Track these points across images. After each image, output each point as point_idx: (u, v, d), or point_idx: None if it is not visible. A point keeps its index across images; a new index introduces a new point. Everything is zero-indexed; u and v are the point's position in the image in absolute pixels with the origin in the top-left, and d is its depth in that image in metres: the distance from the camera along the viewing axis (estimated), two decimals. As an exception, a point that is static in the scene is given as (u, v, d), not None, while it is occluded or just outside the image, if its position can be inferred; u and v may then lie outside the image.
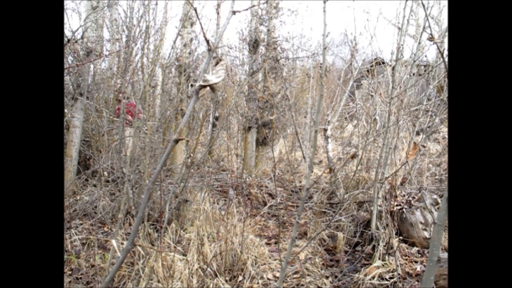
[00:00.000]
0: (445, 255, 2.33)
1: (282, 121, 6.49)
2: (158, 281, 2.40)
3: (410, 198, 3.34)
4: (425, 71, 5.70)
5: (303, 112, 8.00)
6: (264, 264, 2.83)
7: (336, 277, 2.76)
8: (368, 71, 5.02)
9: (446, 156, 5.54)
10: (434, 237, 1.13)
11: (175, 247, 2.90)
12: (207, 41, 1.14)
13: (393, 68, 3.29)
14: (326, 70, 4.32)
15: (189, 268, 2.53)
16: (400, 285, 2.56)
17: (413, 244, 3.13)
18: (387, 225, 3.07)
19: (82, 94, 4.53)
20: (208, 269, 2.61)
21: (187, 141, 4.46)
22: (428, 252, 1.95)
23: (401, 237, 3.16)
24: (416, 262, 2.88)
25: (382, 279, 2.65)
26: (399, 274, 2.63)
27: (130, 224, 3.38)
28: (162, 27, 4.78)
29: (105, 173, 4.21)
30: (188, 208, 3.51)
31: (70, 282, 2.61)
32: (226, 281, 2.57)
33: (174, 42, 4.23)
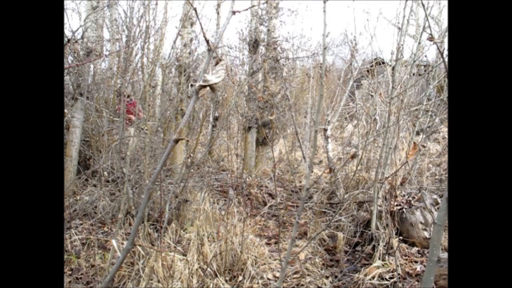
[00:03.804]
0: (445, 255, 2.33)
1: (282, 121, 6.49)
2: (158, 281, 2.40)
3: (410, 198, 3.34)
4: (425, 71, 5.70)
5: (303, 112, 7.99)
6: (264, 264, 2.83)
7: (336, 277, 2.76)
8: (368, 71, 5.02)
9: (446, 156, 5.54)
10: (434, 237, 1.13)
11: (175, 247, 2.90)
12: (207, 41, 1.14)
13: (393, 68, 3.29)
14: (326, 70, 4.32)
15: (189, 268, 2.53)
16: (400, 285, 2.56)
17: (413, 244, 3.13)
18: (387, 225, 3.07)
19: (82, 94, 4.53)
20: (208, 269, 2.61)
21: (187, 141, 4.46)
22: (428, 252, 1.95)
23: (401, 237, 3.15)
24: (416, 262, 2.88)
25: (382, 279, 2.65)
26: (399, 274, 2.63)
27: (130, 224, 3.38)
28: (162, 27, 4.78)
29: (105, 173, 4.21)
30: (188, 208, 3.51)
31: (70, 282, 2.61)
32: (226, 281, 2.57)
33: (174, 42, 4.23)
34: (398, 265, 2.70)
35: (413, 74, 4.24)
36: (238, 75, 6.86)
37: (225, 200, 4.17)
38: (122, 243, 2.83)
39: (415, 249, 3.07)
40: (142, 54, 4.32)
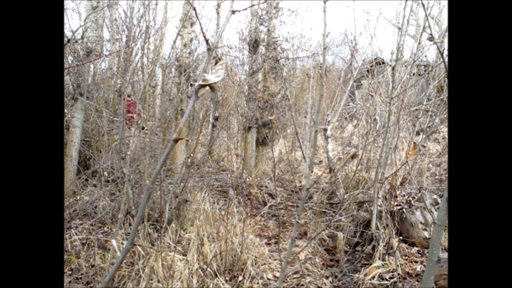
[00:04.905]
0: (445, 255, 2.33)
1: (282, 121, 6.49)
2: (158, 281, 2.40)
3: (410, 198, 3.34)
4: (425, 71, 5.70)
5: (303, 112, 7.99)
6: (264, 264, 2.83)
7: (336, 277, 2.76)
8: (368, 71, 5.02)
9: (446, 156, 5.54)
10: (434, 237, 1.13)
11: (175, 247, 2.90)
12: (207, 41, 1.14)
13: (393, 68, 3.29)
14: (326, 70, 4.32)
15: (189, 268, 2.53)
16: (400, 285, 2.56)
17: (413, 244, 3.13)
18: (387, 225, 3.07)
19: (82, 94, 4.53)
20: (208, 269, 2.61)
21: (187, 141, 4.46)
22: (428, 252, 1.95)
23: (401, 237, 3.15)
24: (416, 262, 2.88)
25: (382, 279, 2.65)
26: (399, 274, 2.63)
27: (130, 224, 3.38)
28: (162, 27, 4.78)
29: (105, 173, 4.21)
30: (188, 208, 3.51)
31: (70, 282, 2.61)
32: (226, 281, 2.57)
33: (174, 42, 4.22)
34: (398, 265, 2.69)
35: (413, 74, 4.24)
36: (238, 75, 6.86)
37: (225, 200, 4.17)
38: (122, 243, 2.83)
39: (415, 249, 3.07)
40: (142, 54, 4.32)
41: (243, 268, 2.69)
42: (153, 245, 2.91)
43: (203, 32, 1.13)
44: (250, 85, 5.68)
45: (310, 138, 7.00)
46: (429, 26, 1.60)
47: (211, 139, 5.80)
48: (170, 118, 4.87)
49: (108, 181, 4.25)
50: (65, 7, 4.94)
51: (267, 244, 3.32)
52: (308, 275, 2.72)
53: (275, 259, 2.92)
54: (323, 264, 2.95)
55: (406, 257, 2.94)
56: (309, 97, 6.83)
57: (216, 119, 6.27)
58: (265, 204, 4.49)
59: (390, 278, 2.65)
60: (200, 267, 2.61)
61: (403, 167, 3.69)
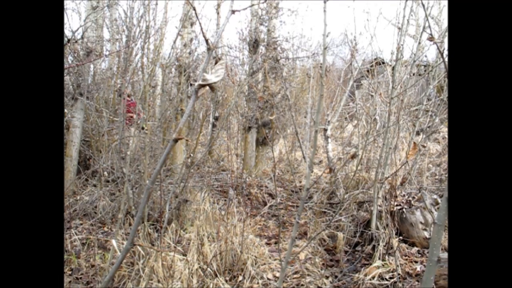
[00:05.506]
0: (445, 255, 2.33)
1: (282, 121, 6.49)
2: (158, 281, 2.40)
3: (410, 198, 3.34)
4: (425, 71, 5.70)
5: (303, 112, 7.99)
6: (264, 264, 2.83)
7: (336, 277, 2.76)
8: (368, 71, 5.02)
9: (446, 156, 5.54)
10: (434, 237, 1.13)
11: (175, 247, 2.90)
12: (207, 41, 1.14)
13: (393, 68, 3.29)
14: (326, 70, 4.32)
15: (189, 268, 2.53)
16: (400, 285, 2.56)
17: (413, 244, 3.13)
18: (387, 225, 3.07)
19: (82, 94, 4.53)
20: (208, 269, 2.61)
21: (187, 141, 4.46)
22: (428, 252, 1.95)
23: (401, 237, 3.15)
24: (416, 262, 2.88)
25: (382, 279, 2.65)
26: (399, 274, 2.63)
27: (130, 224, 3.38)
28: (162, 27, 4.78)
29: (105, 173, 4.20)
30: (188, 208, 3.51)
31: (70, 282, 2.61)
32: (226, 281, 2.57)
33: (174, 42, 4.23)
34: (398, 265, 2.69)
35: (413, 74, 4.24)
36: (238, 75, 6.86)
37: (225, 200, 4.17)
38: (122, 243, 2.83)
39: (415, 249, 3.07)
40: (142, 54, 4.33)
41: (243, 268, 2.69)
42: (153, 245, 2.91)
43: (203, 32, 1.13)
44: (250, 85, 5.68)
45: (310, 138, 7.00)
46: (429, 26, 1.60)
47: (211, 139, 5.80)
48: (170, 118, 4.87)
49: (108, 181, 4.25)
50: (65, 7, 4.94)
51: (267, 244, 3.32)
52: (308, 275, 2.72)
53: (275, 259, 2.92)
54: (323, 264, 2.95)
55: (406, 257, 2.94)
56: (309, 97, 6.83)
57: (216, 119, 6.28)
58: (265, 204, 4.49)
59: (390, 278, 2.65)
60: (200, 267, 2.61)
61: (403, 167, 3.69)
